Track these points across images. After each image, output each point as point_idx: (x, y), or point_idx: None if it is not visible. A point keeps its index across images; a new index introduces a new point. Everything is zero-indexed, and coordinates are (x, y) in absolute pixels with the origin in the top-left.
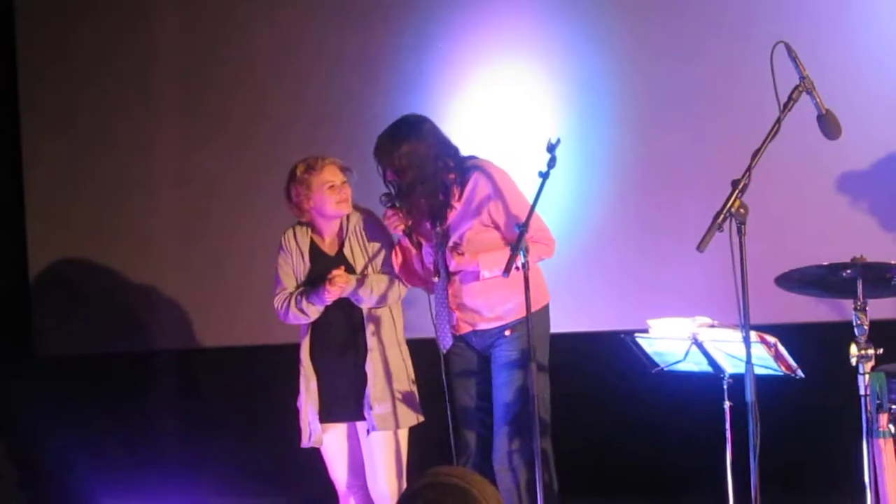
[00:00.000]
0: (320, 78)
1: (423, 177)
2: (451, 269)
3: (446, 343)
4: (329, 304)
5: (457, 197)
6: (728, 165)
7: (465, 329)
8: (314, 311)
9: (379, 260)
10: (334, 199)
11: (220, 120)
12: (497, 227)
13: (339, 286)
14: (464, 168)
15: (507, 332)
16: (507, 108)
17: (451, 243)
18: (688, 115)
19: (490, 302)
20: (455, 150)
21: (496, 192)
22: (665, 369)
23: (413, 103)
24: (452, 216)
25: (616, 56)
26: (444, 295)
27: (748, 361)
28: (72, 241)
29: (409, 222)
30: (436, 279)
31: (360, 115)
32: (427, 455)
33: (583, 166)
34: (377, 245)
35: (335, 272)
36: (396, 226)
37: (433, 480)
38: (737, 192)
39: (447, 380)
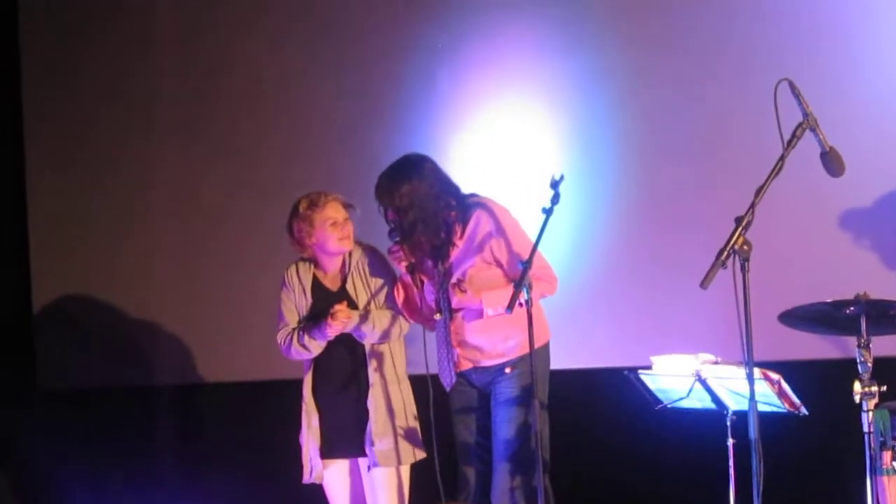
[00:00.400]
0: (323, 113)
1: (424, 216)
2: (454, 305)
3: (449, 380)
4: (331, 339)
5: (459, 235)
6: (731, 201)
7: (466, 366)
8: (316, 346)
9: (381, 296)
10: (336, 235)
11: (222, 153)
12: (499, 265)
13: (340, 321)
14: (465, 206)
15: (507, 370)
16: (509, 144)
17: (453, 280)
18: (691, 150)
19: (492, 339)
20: (456, 189)
21: (498, 230)
22: (668, 406)
23: (415, 139)
24: (455, 254)
25: (619, 91)
26: (446, 332)
27: (752, 398)
28: (75, 274)
29: (413, 259)
30: (438, 317)
31: (363, 150)
32: (428, 491)
33: (585, 202)
34: (380, 281)
35: (337, 307)
36: (401, 261)
37: None
38: (740, 228)
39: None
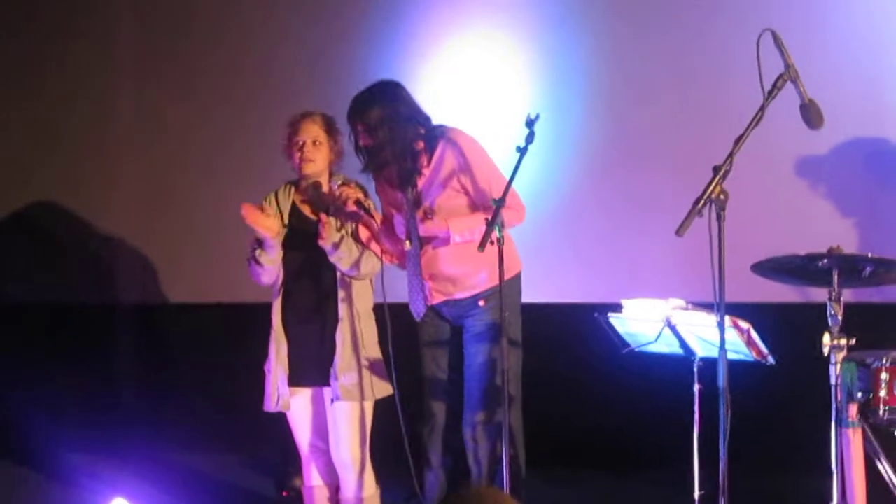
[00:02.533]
0: (292, 41)
1: (393, 139)
2: (422, 234)
3: (419, 311)
4: (273, 252)
5: (426, 163)
6: (704, 145)
7: (437, 299)
8: (267, 260)
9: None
10: (297, 156)
11: (196, 74)
12: (467, 193)
13: (328, 229)
14: (433, 135)
15: (480, 303)
16: (479, 75)
17: (421, 210)
18: (665, 91)
19: (464, 271)
20: (426, 118)
21: (465, 159)
22: (636, 350)
23: (385, 64)
24: (422, 182)
25: (593, 29)
26: (417, 264)
27: (721, 347)
28: (39, 189)
29: (362, 195)
30: (408, 245)
31: (331, 76)
32: (390, 426)
33: (557, 137)
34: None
35: (323, 218)
36: (348, 196)
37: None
38: (718, 177)
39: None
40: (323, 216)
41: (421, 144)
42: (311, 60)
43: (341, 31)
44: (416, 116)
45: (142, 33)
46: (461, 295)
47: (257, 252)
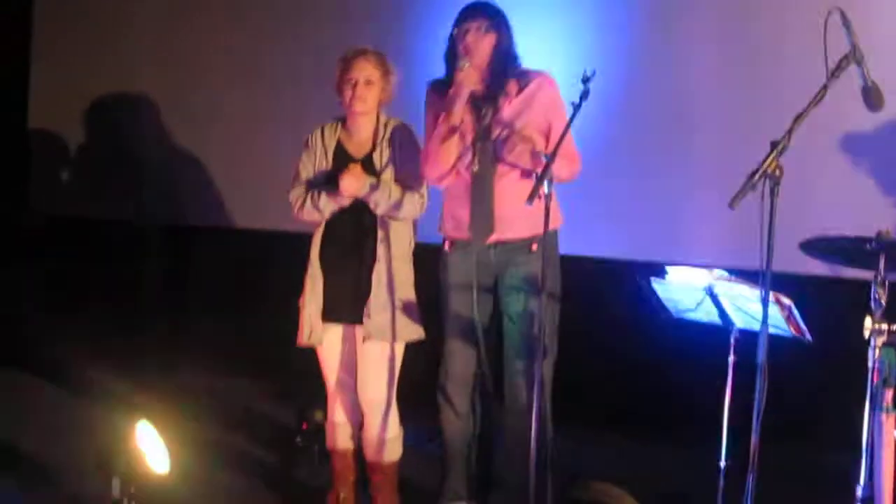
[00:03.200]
0: None
1: (499, 49)
2: (508, 157)
3: (484, 235)
4: (345, 204)
5: (515, 92)
6: (751, 114)
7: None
8: (330, 208)
9: (406, 175)
10: (349, 93)
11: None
12: (544, 137)
13: (349, 181)
14: (527, 69)
15: (533, 247)
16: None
17: (499, 133)
18: (714, 53)
19: (519, 212)
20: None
21: (556, 105)
22: (675, 316)
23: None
24: (507, 109)
25: None
26: (484, 186)
27: (764, 322)
28: (75, 108)
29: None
30: (475, 168)
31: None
32: (423, 369)
33: (610, 95)
34: (409, 159)
35: (351, 167)
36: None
37: None
38: (775, 152)
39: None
40: (347, 171)
41: (517, 70)
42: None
43: None
44: (515, 47)
45: None
46: (514, 235)
47: (323, 202)
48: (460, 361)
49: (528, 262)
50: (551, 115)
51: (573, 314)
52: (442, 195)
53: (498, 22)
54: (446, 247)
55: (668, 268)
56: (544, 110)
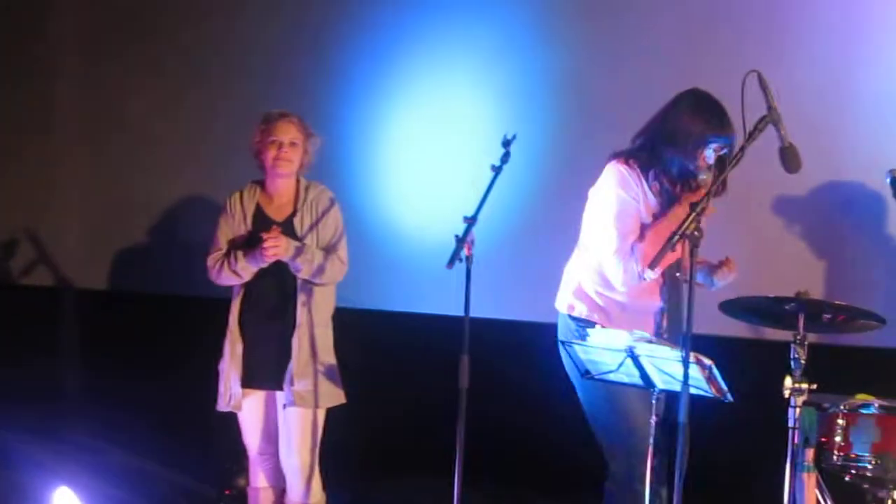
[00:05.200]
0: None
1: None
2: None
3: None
4: (264, 265)
5: None
6: None
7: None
8: (249, 272)
9: (327, 240)
10: (272, 154)
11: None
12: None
13: (271, 245)
14: None
15: None
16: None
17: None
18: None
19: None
20: None
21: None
22: (596, 377)
23: (358, 68)
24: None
25: (563, 53)
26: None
27: (685, 383)
28: None
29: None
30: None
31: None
32: (345, 434)
33: (528, 156)
34: (331, 226)
35: (272, 233)
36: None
37: None
38: (694, 214)
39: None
40: (271, 234)
41: None
42: (274, 62)
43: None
44: None
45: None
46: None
47: (241, 265)
48: None
49: None
50: None
51: (490, 377)
52: None
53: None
54: None
55: (588, 329)
56: None
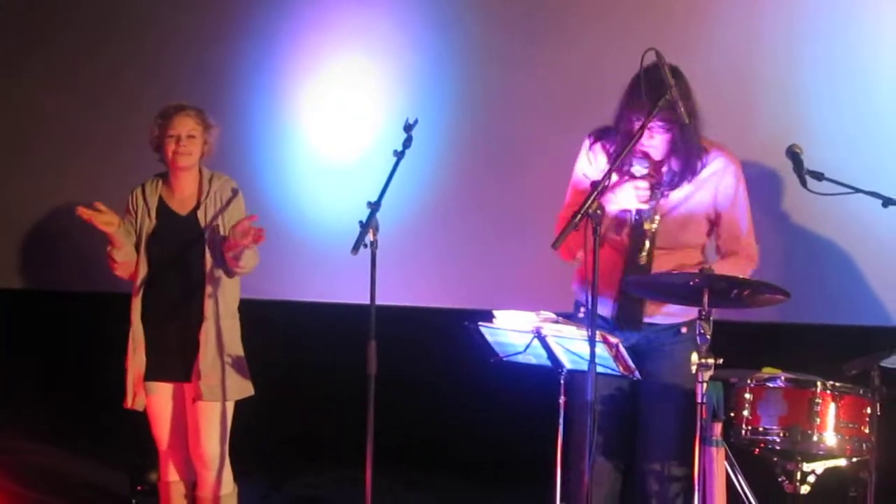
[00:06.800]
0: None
1: (692, 136)
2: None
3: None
4: (123, 248)
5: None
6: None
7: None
8: (119, 255)
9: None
10: (171, 148)
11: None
12: (713, 228)
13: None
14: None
15: (683, 330)
16: (354, 77)
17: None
18: (542, 98)
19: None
20: None
21: (735, 191)
22: (504, 359)
23: (264, 61)
24: (682, 195)
25: (468, 35)
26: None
27: (592, 361)
28: None
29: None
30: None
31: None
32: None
33: (430, 141)
34: (236, 217)
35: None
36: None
37: None
38: (595, 192)
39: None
40: (233, 238)
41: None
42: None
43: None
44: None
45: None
46: (661, 320)
47: (109, 248)
48: None
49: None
50: (725, 203)
51: (398, 362)
52: None
53: (693, 102)
54: None
55: (495, 311)
56: (719, 199)
